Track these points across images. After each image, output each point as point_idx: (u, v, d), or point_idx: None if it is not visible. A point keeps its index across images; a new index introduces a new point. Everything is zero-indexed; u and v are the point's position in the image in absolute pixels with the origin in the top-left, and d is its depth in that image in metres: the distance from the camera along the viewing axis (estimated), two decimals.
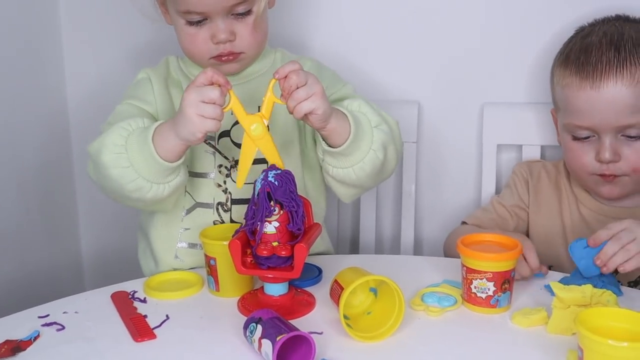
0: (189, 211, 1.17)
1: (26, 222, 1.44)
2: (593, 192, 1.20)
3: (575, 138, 1.16)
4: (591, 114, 1.11)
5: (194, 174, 1.16)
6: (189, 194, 1.16)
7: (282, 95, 0.99)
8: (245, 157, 0.99)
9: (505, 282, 0.96)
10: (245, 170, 0.99)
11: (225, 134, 1.16)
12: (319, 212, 1.23)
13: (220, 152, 1.16)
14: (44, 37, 1.46)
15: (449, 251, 1.22)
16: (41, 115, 1.46)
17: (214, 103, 0.97)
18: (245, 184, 1.00)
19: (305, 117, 0.99)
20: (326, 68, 1.23)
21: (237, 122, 1.13)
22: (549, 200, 1.25)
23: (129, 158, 1.02)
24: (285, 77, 0.98)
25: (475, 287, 0.97)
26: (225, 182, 1.16)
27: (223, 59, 1.12)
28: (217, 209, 1.16)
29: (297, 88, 0.97)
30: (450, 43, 1.39)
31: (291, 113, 0.99)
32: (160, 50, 1.26)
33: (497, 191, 1.39)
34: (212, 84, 0.98)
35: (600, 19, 1.20)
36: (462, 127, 1.41)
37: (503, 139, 1.37)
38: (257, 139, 0.98)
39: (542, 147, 1.36)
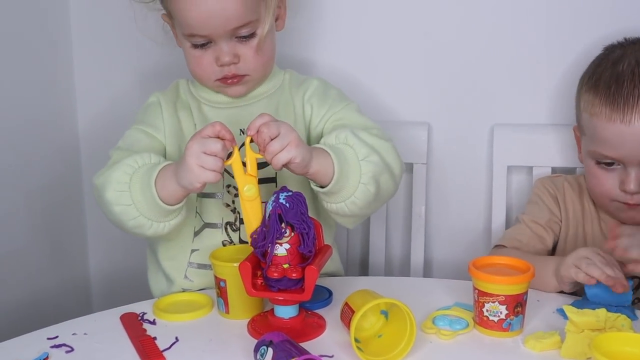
0: (197, 233, 1.17)
1: (34, 243, 1.44)
2: (613, 216, 1.18)
3: (599, 163, 1.14)
4: (619, 146, 1.09)
5: (202, 195, 1.16)
6: (199, 214, 1.16)
7: (258, 146, 0.99)
8: (247, 217, 0.98)
9: (518, 305, 0.95)
10: (252, 227, 0.98)
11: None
12: (328, 231, 1.23)
13: (228, 172, 1.16)
14: (55, 59, 1.47)
15: None
16: (52, 137, 1.47)
17: (215, 155, 0.97)
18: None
19: (285, 166, 0.99)
20: (331, 87, 1.23)
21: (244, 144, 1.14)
22: (575, 212, 1.22)
23: (132, 196, 1.04)
24: (257, 131, 0.97)
25: (487, 311, 0.96)
26: (233, 202, 1.16)
27: (228, 81, 1.13)
28: (226, 229, 1.16)
29: (271, 140, 0.97)
30: (460, 64, 1.39)
31: (275, 169, 0.99)
32: (171, 74, 1.27)
33: (508, 212, 1.38)
34: (217, 137, 0.98)
35: (631, 39, 1.18)
36: (473, 149, 1.41)
37: (513, 161, 1.37)
38: (247, 200, 0.98)
39: (553, 169, 1.35)
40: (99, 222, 1.57)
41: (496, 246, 1.23)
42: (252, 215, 0.98)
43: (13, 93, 1.35)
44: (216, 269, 1.03)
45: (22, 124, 1.38)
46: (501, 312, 0.95)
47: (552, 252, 1.24)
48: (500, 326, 0.96)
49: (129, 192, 1.04)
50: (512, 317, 0.95)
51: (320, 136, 1.16)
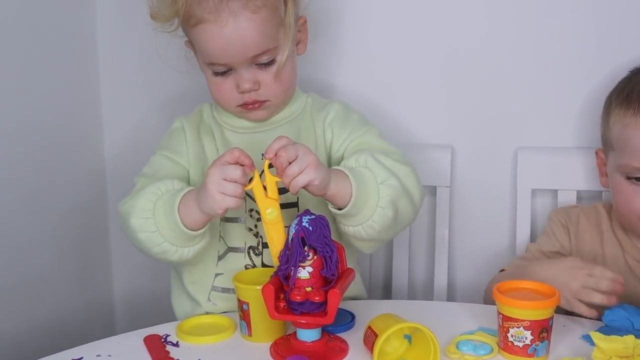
0: (221, 257, 1.17)
1: (60, 266, 1.45)
2: None
3: (629, 178, 1.11)
4: None
5: (225, 219, 1.16)
6: (222, 238, 1.17)
7: (276, 169, 0.99)
8: (271, 239, 0.99)
9: (543, 330, 0.94)
10: (276, 249, 0.98)
11: None
12: (351, 254, 1.22)
13: (250, 197, 1.16)
14: (81, 83, 1.50)
15: (488, 298, 1.19)
16: (77, 160, 1.49)
17: (235, 182, 0.98)
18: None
19: (304, 188, 0.99)
20: (353, 111, 1.23)
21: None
22: (591, 244, 1.21)
23: (156, 223, 1.05)
24: (276, 154, 0.98)
25: (512, 336, 0.95)
26: (256, 226, 1.16)
27: (249, 107, 1.14)
28: (249, 253, 1.16)
29: (290, 164, 0.97)
30: (483, 86, 1.39)
31: (293, 193, 0.99)
32: (196, 99, 1.28)
33: (532, 236, 1.37)
34: (237, 163, 0.99)
35: None
36: (496, 172, 1.40)
37: (538, 184, 1.36)
38: (270, 223, 0.98)
39: (578, 192, 1.34)
40: (124, 245, 1.57)
41: (501, 271, 1.23)
42: (276, 237, 0.99)
43: (39, 117, 1.37)
44: (239, 292, 1.03)
45: (49, 147, 1.40)
46: (526, 338, 0.94)
47: None
48: (526, 352, 0.94)
49: (153, 219, 1.05)
50: (537, 342, 0.94)
51: (341, 160, 1.16)
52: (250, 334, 1.03)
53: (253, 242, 1.16)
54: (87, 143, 1.52)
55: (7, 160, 1.30)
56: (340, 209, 1.04)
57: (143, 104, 1.53)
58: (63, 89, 1.44)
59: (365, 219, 1.05)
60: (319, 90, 1.30)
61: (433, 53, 1.40)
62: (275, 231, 0.99)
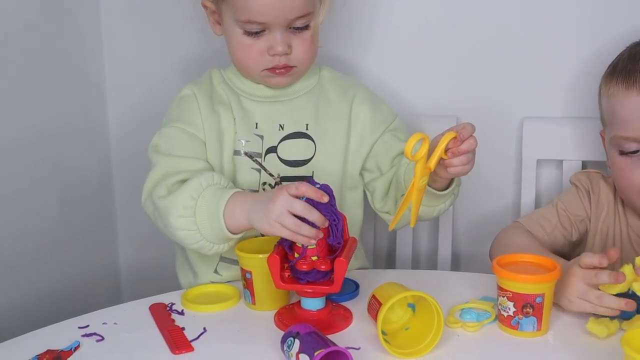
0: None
1: (66, 234, 1.46)
2: None
3: (623, 153, 1.09)
4: (638, 122, 1.05)
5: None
6: None
7: (448, 150, 0.98)
8: (414, 204, 0.98)
9: (527, 305, 0.93)
10: (414, 216, 0.99)
11: (272, 149, 1.15)
12: (355, 225, 1.22)
13: (265, 170, 1.16)
14: (85, 50, 1.49)
15: (492, 253, 1.17)
16: (82, 129, 1.49)
17: (294, 215, 0.94)
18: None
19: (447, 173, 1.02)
20: (378, 97, 1.23)
21: (284, 139, 1.15)
22: (608, 210, 1.18)
23: (197, 222, 1.02)
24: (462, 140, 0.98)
25: (500, 305, 0.95)
26: None
27: (277, 71, 1.12)
28: None
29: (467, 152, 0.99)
30: (489, 58, 1.38)
31: (445, 168, 1.00)
32: (201, 63, 1.26)
33: (537, 206, 1.36)
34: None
35: None
36: (502, 142, 1.40)
37: (543, 154, 1.35)
38: (420, 190, 0.98)
39: (583, 162, 1.34)
40: (129, 214, 1.59)
41: (515, 222, 1.21)
42: (416, 202, 0.98)
43: (42, 86, 1.37)
44: (242, 261, 1.04)
45: (53, 117, 1.40)
46: (509, 309, 0.94)
47: (576, 249, 1.21)
48: (509, 323, 0.94)
49: (194, 218, 1.02)
50: (520, 316, 0.93)
51: (374, 142, 1.18)
52: (254, 302, 1.04)
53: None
54: (90, 110, 1.51)
55: (12, 129, 1.30)
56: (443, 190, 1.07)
57: (147, 68, 1.51)
58: (63, 52, 1.42)
59: (455, 196, 1.12)
60: (333, 64, 1.28)
61: (439, 25, 1.38)
62: (417, 196, 0.98)
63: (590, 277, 0.94)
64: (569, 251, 1.20)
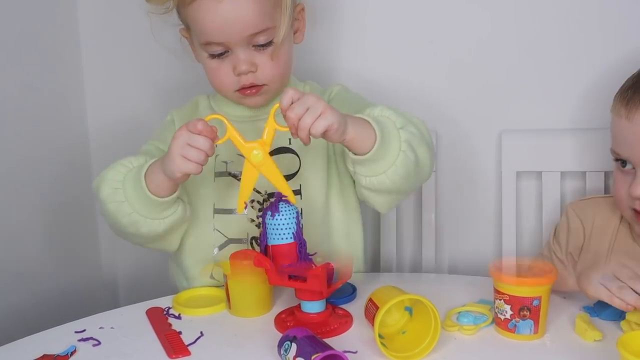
0: (221, 247, 1.16)
1: (63, 241, 1.46)
2: (632, 228, 1.13)
3: (619, 168, 1.09)
4: (623, 142, 1.06)
5: (222, 211, 1.15)
6: (218, 231, 1.16)
7: (288, 126, 0.96)
8: (246, 183, 0.98)
9: (524, 309, 0.93)
10: (245, 196, 0.98)
11: None
12: (356, 228, 1.21)
13: (256, 190, 1.15)
14: (64, 67, 1.48)
15: None
16: (62, 144, 1.48)
17: (199, 149, 0.97)
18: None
19: (323, 135, 0.96)
20: (352, 92, 1.23)
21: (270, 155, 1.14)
22: (600, 243, 1.17)
23: (125, 193, 1.05)
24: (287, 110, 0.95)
25: (496, 308, 0.95)
26: (258, 217, 1.15)
27: (247, 92, 1.12)
28: (252, 244, 1.15)
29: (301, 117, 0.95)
30: (466, 71, 1.37)
31: (306, 143, 0.97)
32: (184, 90, 1.27)
33: (518, 218, 1.36)
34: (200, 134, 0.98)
35: None
36: (481, 155, 1.40)
37: (522, 166, 1.35)
38: (258, 165, 0.97)
39: (563, 173, 1.33)
40: None
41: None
42: (272, 178, 0.97)
43: (23, 101, 1.36)
44: (222, 264, 1.04)
45: (34, 138, 1.39)
46: (506, 312, 0.94)
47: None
48: (506, 326, 0.94)
49: (122, 190, 1.05)
50: (517, 319, 0.93)
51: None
52: (229, 307, 1.04)
53: (255, 232, 1.15)
54: (72, 133, 1.51)
55: None
56: (362, 155, 1.00)
57: (127, 90, 1.52)
58: (42, 71, 1.41)
59: (389, 164, 1.00)
60: (316, 77, 1.28)
61: (416, 39, 1.38)
62: (266, 171, 0.97)
63: (621, 273, 0.94)
64: None
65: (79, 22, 1.49)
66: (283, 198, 0.98)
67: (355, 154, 1.00)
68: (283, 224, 0.97)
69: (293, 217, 0.97)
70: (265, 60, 1.10)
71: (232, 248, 1.15)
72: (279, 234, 0.97)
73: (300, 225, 0.99)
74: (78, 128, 1.53)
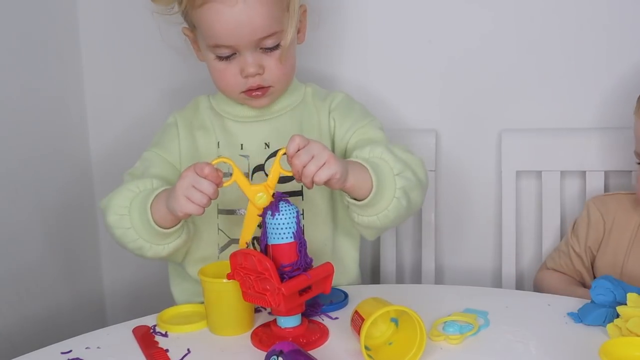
0: (223, 248, 1.17)
1: (49, 258, 1.45)
2: None
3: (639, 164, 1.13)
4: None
5: (225, 211, 1.17)
6: (222, 231, 1.17)
7: (293, 172, 0.98)
8: (249, 224, 0.99)
9: None
10: (247, 237, 1.00)
11: (259, 167, 1.16)
12: (352, 241, 1.23)
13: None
14: (65, 79, 1.49)
15: (537, 288, 1.25)
16: (63, 155, 1.48)
17: (202, 192, 0.98)
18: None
19: (325, 183, 0.99)
20: (355, 102, 1.24)
21: (271, 156, 1.15)
22: (623, 229, 1.19)
23: (131, 220, 1.07)
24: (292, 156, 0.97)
25: None
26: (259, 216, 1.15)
27: (253, 93, 1.13)
28: (253, 244, 1.16)
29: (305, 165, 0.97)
30: (466, 71, 1.39)
31: (309, 188, 0.99)
32: (186, 91, 1.28)
33: (518, 217, 1.38)
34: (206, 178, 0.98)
35: None
36: (481, 155, 1.41)
37: (522, 166, 1.37)
38: (262, 208, 0.98)
39: (562, 173, 1.35)
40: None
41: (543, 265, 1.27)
42: (254, 222, 0.98)
43: (23, 102, 1.36)
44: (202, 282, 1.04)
45: (35, 142, 1.40)
46: None
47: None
48: None
49: (129, 216, 1.07)
50: None
51: (345, 148, 1.17)
52: (207, 324, 1.04)
53: (257, 232, 1.15)
54: (72, 136, 1.52)
55: None
56: (358, 200, 1.05)
57: (130, 94, 1.52)
58: (43, 80, 1.42)
59: (381, 210, 1.05)
60: (317, 79, 1.29)
61: (416, 38, 1.40)
62: (253, 215, 0.98)
63: None
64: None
65: (79, 22, 1.49)
66: (283, 198, 0.98)
67: (353, 198, 1.04)
68: (283, 224, 0.97)
69: (293, 217, 0.97)
70: (273, 62, 1.11)
71: (234, 248, 1.15)
72: (279, 234, 0.97)
73: (301, 225, 0.98)
74: (78, 128, 1.53)
